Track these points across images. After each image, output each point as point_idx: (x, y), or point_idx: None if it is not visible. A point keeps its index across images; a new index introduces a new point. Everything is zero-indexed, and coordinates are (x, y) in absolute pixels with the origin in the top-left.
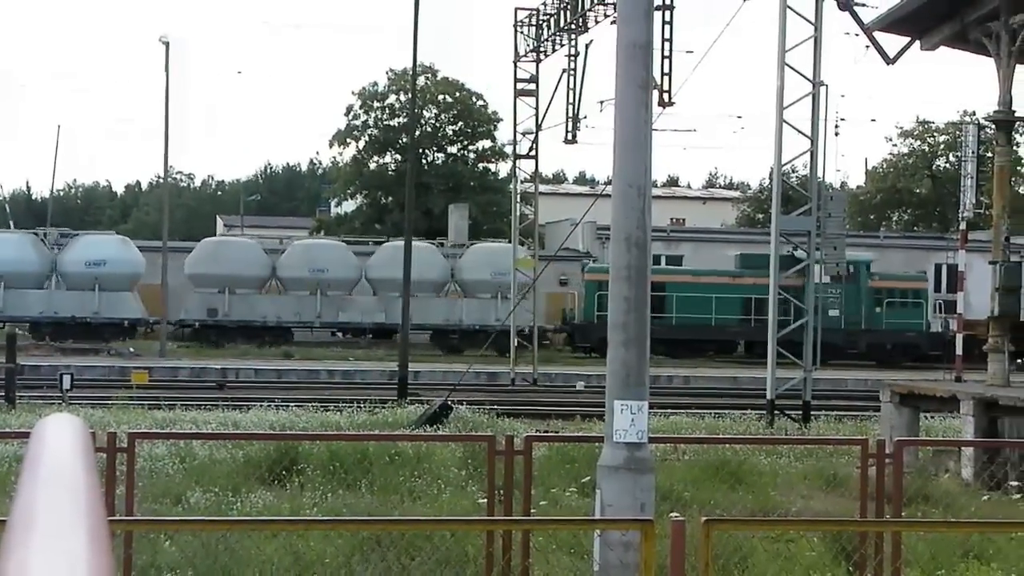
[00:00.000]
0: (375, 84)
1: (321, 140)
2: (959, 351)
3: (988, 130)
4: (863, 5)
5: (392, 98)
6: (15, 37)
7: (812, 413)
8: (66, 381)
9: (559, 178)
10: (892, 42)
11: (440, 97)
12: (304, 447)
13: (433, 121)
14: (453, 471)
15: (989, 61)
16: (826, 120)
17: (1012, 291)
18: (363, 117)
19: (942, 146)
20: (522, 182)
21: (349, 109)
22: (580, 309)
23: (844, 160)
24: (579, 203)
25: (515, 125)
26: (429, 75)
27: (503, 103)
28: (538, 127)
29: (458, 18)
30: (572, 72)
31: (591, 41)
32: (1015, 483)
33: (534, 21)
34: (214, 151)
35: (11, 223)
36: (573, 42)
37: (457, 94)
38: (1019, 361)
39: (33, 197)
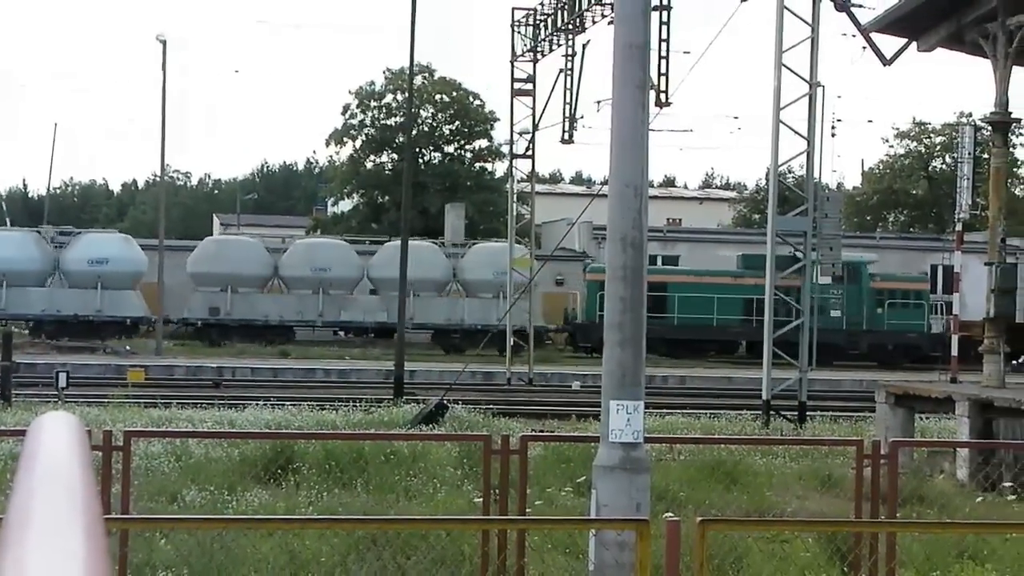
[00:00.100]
0: (372, 83)
1: (318, 139)
2: (954, 352)
3: (984, 131)
4: (860, 6)
5: (389, 97)
6: (15, 37)
7: (808, 414)
8: (62, 379)
9: (556, 178)
10: (889, 43)
11: (437, 96)
12: (300, 446)
13: (430, 120)
14: (449, 470)
15: (986, 62)
16: (823, 121)
17: (1008, 292)
18: (360, 116)
19: (938, 147)
20: (519, 182)
21: (346, 108)
22: (582, 309)
23: (840, 161)
24: (575, 203)
25: (512, 125)
26: (426, 75)
27: (500, 103)
28: (535, 127)
29: (455, 18)
30: (569, 72)
31: (588, 41)
32: (1010, 484)
33: (531, 21)
34: (211, 150)
35: (7, 221)
36: (570, 42)
37: (454, 94)
38: (1015, 362)
39: (29, 195)
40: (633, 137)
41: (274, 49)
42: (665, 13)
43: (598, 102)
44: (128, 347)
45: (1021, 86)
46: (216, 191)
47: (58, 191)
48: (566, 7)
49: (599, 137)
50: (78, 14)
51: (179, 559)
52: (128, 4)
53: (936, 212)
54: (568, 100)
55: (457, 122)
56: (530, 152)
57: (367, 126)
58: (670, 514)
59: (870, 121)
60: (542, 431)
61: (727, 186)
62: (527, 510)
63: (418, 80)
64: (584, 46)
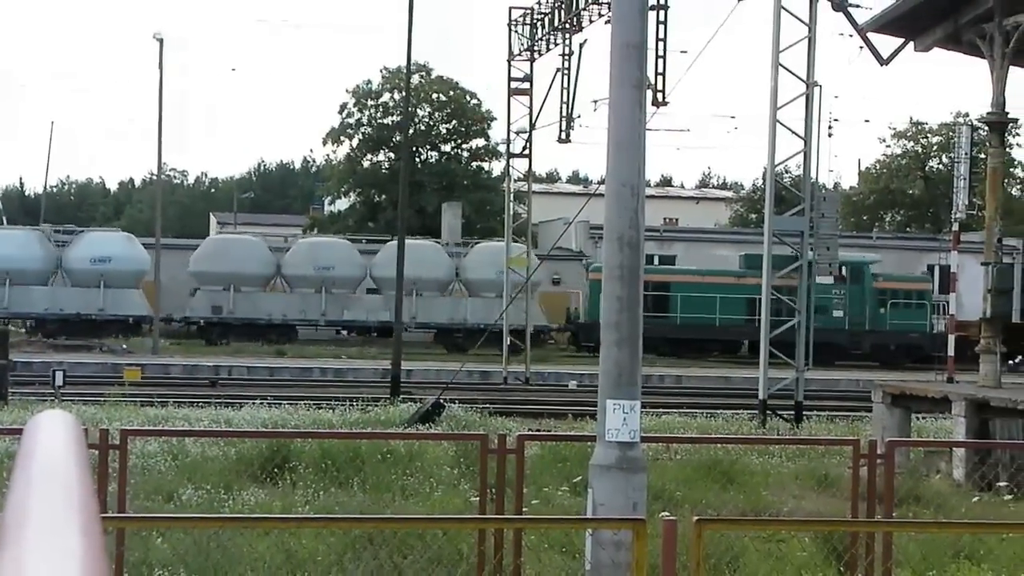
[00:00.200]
0: (369, 82)
1: (315, 138)
2: (951, 352)
3: (981, 131)
4: (857, 6)
5: (386, 96)
6: (14, 37)
7: (804, 413)
8: (59, 377)
9: (553, 177)
10: (886, 43)
11: (434, 95)
12: (296, 445)
13: (427, 120)
14: (445, 469)
15: (983, 62)
16: (819, 121)
17: (1004, 292)
18: (357, 115)
19: (935, 147)
20: (516, 181)
21: (343, 107)
22: (585, 309)
23: (837, 161)
24: (572, 202)
25: (509, 124)
26: (423, 73)
27: (497, 102)
28: (532, 126)
29: (452, 17)
30: (566, 71)
31: (585, 40)
32: (1006, 484)
33: (528, 20)
34: (208, 148)
35: (3, 219)
36: (567, 41)
37: (451, 92)
38: (1011, 362)
39: (26, 193)
40: (630, 136)
41: (271, 48)
42: (662, 12)
43: (595, 101)
44: (124, 346)
45: (1018, 86)
46: (213, 190)
47: (55, 189)
48: (563, 6)
49: (596, 136)
50: (77, 14)
51: (175, 558)
52: (126, 3)
53: (933, 212)
54: (565, 99)
55: (454, 121)
56: (527, 151)
57: (364, 125)
58: (666, 513)
59: (867, 121)
60: (539, 430)
61: (724, 186)
62: (524, 509)
63: (415, 79)
64: (581, 45)
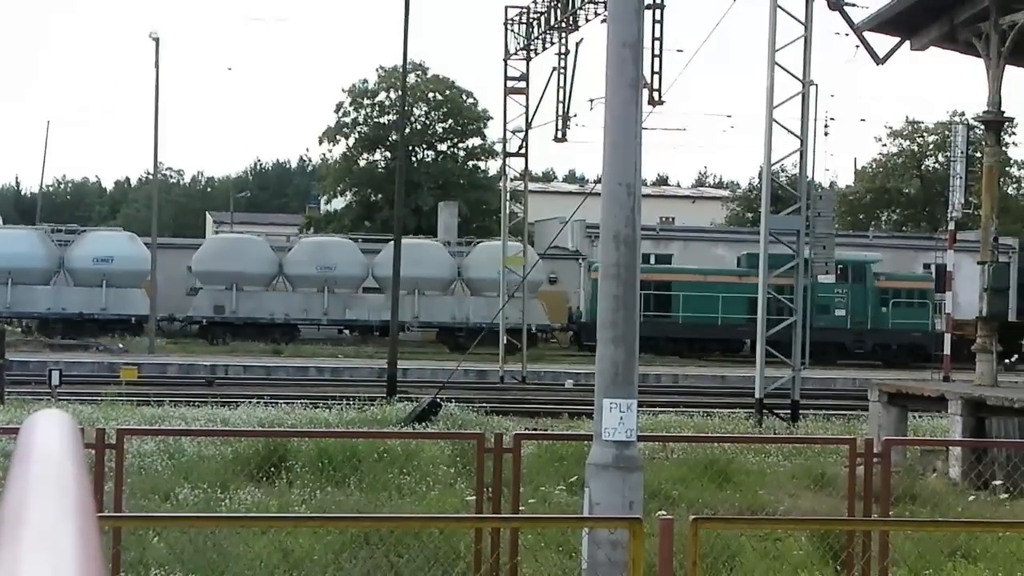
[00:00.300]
0: (365, 81)
1: (311, 137)
2: (947, 351)
3: (977, 130)
4: (853, 5)
5: (382, 95)
6: (13, 36)
7: (800, 412)
8: (55, 377)
9: (549, 176)
10: (882, 42)
11: (430, 95)
12: (293, 444)
13: (423, 119)
14: (442, 468)
15: (979, 61)
16: (816, 120)
17: (1000, 291)
18: (353, 114)
19: (931, 146)
20: (512, 180)
21: (339, 106)
22: (586, 308)
23: (833, 160)
24: (569, 201)
25: (505, 123)
26: (419, 73)
27: (493, 101)
28: (528, 125)
29: (449, 16)
30: (562, 70)
31: (581, 39)
32: (1002, 483)
33: (524, 19)
34: (204, 147)
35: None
36: (563, 40)
37: (447, 92)
38: (1007, 361)
39: (22, 193)
40: (626, 136)
41: (267, 47)
42: (658, 11)
43: (591, 100)
44: (121, 345)
45: (1014, 85)
46: (209, 189)
47: (51, 189)
48: (559, 5)
49: (592, 135)
50: (74, 12)
51: (172, 557)
52: (124, 3)
53: (929, 211)
54: (561, 98)
55: (450, 120)
56: (523, 150)
57: (360, 124)
58: (663, 512)
59: (863, 120)
60: (535, 429)
61: (720, 185)
62: (520, 508)
63: (411, 78)
64: (577, 44)
